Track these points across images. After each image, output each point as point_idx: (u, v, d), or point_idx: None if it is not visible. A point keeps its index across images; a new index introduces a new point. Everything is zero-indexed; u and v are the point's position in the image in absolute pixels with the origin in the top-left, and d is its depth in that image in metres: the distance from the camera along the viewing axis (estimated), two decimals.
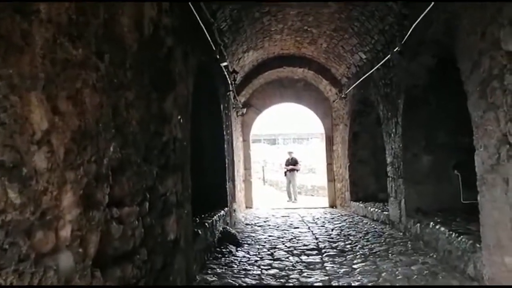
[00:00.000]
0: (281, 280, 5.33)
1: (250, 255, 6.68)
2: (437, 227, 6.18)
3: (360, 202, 11.70)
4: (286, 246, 7.37)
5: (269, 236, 8.46)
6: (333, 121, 15.03)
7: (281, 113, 28.27)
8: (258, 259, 6.45)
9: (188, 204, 4.93)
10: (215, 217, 7.21)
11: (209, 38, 6.56)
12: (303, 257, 6.48)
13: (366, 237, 7.88)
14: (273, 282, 5.27)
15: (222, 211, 8.06)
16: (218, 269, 5.76)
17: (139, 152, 3.33)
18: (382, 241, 7.44)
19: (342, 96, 12.90)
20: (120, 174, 2.95)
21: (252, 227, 9.96)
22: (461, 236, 5.33)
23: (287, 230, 9.18)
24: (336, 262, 6.09)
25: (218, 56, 7.32)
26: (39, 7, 1.95)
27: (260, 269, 5.83)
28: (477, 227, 5.64)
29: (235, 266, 6.02)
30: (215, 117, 8.57)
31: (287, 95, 15.46)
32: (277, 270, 5.77)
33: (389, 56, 8.01)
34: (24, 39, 1.85)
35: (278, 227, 9.79)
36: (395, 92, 8.11)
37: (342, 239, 7.82)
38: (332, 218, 11.15)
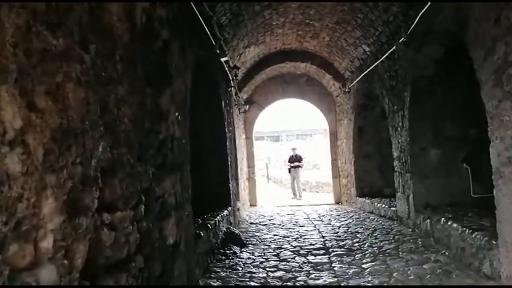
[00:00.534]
0: (288, 283, 5.08)
1: (255, 256, 6.44)
2: (449, 223, 5.93)
3: (366, 198, 11.48)
4: (292, 245, 7.13)
5: (274, 235, 8.22)
6: (337, 116, 14.80)
7: (284, 110, 28.04)
8: (264, 260, 6.21)
9: (188, 205, 4.69)
10: (218, 217, 6.98)
11: (208, 32, 6.33)
12: (310, 257, 6.24)
13: (374, 235, 7.64)
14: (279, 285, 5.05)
15: (226, 211, 7.83)
16: (222, 273, 5.53)
17: (133, 152, 3.09)
18: (391, 238, 7.20)
19: (346, 90, 12.68)
20: (111, 175, 2.72)
21: (256, 226, 9.73)
22: (476, 233, 5.08)
23: (293, 229, 8.94)
24: (345, 262, 5.85)
25: (218, 51, 7.09)
26: None
27: (265, 272, 5.59)
28: (491, 222, 5.43)
29: (240, 268, 5.78)
30: (216, 114, 8.33)
31: (290, 90, 15.22)
32: (284, 272, 5.52)
33: (394, 47, 7.77)
34: None
35: (283, 225, 9.56)
36: (400, 85, 7.86)
37: (349, 237, 7.58)
38: (338, 215, 10.91)
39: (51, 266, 1.96)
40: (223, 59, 7.60)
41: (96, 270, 2.43)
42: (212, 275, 5.38)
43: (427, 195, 7.43)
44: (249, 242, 7.44)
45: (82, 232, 2.31)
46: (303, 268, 5.69)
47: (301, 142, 37.14)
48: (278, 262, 6.04)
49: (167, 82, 4.05)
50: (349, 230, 8.39)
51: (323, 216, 10.96)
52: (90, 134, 2.44)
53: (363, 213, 10.80)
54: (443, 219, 6.19)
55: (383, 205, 9.66)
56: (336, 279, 5.11)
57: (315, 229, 8.74)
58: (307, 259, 6.16)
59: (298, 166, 18.60)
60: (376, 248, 6.55)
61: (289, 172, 18.91)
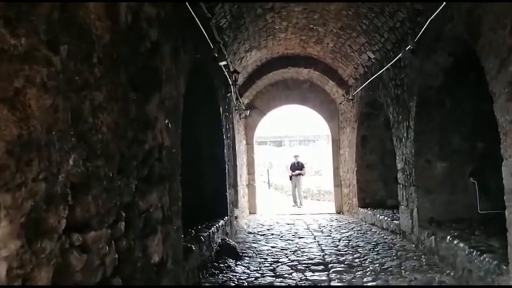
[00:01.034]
0: None
1: (250, 271, 6.13)
2: (455, 242, 5.61)
3: (368, 208, 11.17)
4: (289, 259, 6.81)
5: (272, 247, 7.91)
6: (340, 124, 14.52)
7: (287, 115, 27.79)
8: (259, 275, 5.90)
9: (178, 218, 4.39)
10: (212, 228, 6.69)
11: (205, 35, 6.05)
12: (308, 274, 5.92)
13: (376, 249, 7.33)
14: None
15: (222, 221, 7.52)
16: None
17: (112, 164, 2.80)
18: (394, 254, 6.90)
19: (350, 98, 12.39)
20: (84, 191, 2.43)
21: (254, 236, 9.43)
22: (484, 255, 4.75)
23: (292, 240, 8.63)
24: (344, 280, 5.54)
25: (216, 55, 6.79)
26: None
27: None
28: (500, 243, 5.13)
29: (233, 284, 5.48)
30: (214, 120, 8.03)
31: (292, 96, 14.94)
32: None
33: (400, 55, 7.47)
34: None
35: (282, 236, 9.25)
36: (406, 94, 7.57)
37: (350, 252, 7.26)
38: (339, 226, 10.59)
39: None
40: (221, 63, 7.30)
41: None
42: None
43: (431, 210, 7.13)
44: (245, 254, 7.14)
45: (45, 257, 2.03)
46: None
47: (304, 148, 36.95)
48: (274, 279, 5.72)
49: (155, 87, 3.76)
50: (350, 243, 8.08)
51: (323, 226, 10.65)
52: (58, 146, 2.15)
53: (365, 224, 10.49)
54: (448, 237, 5.88)
55: (386, 218, 9.34)
56: None
57: (314, 241, 8.43)
58: (305, 275, 5.85)
59: (300, 174, 18.30)
60: (377, 265, 6.24)
61: (290, 179, 18.59)
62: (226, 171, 8.35)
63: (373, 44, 8.94)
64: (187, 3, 4.82)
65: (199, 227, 6.62)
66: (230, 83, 9.05)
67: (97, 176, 2.59)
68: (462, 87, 6.79)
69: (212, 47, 6.56)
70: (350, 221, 11.57)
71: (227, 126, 8.83)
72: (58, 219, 2.15)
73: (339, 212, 14.48)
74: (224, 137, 8.28)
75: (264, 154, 30.56)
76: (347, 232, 9.57)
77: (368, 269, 6.01)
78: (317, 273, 5.93)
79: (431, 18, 5.75)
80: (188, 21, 5.15)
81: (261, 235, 9.53)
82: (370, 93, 10.18)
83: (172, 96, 4.30)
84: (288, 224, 11.37)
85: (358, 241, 8.24)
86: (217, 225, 7.05)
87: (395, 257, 6.66)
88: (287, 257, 7.02)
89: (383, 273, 5.78)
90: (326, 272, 5.96)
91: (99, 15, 2.64)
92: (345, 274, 5.84)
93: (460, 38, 5.23)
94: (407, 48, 6.93)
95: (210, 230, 6.50)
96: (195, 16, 5.21)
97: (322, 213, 14.71)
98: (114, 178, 2.82)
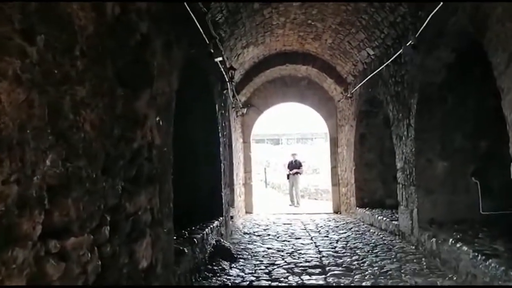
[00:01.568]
0: None
1: (245, 274, 5.93)
2: (458, 245, 5.42)
3: (367, 208, 10.97)
4: (286, 262, 6.60)
5: (268, 248, 7.70)
6: (338, 122, 14.33)
7: (285, 113, 27.65)
8: (254, 279, 5.70)
9: (169, 221, 4.19)
10: (207, 229, 6.48)
11: (201, 30, 5.84)
12: (305, 277, 5.72)
13: (374, 251, 7.14)
14: None
15: (216, 222, 7.32)
16: None
17: (95, 164, 2.60)
18: (393, 256, 6.70)
19: (348, 95, 12.20)
20: (63, 194, 2.23)
21: (250, 236, 9.23)
22: (490, 260, 4.54)
23: (288, 241, 8.43)
24: (343, 285, 5.35)
25: (212, 51, 6.59)
26: None
27: None
28: (505, 246, 4.97)
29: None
30: (210, 118, 7.81)
31: (290, 94, 14.74)
32: None
33: (401, 51, 7.28)
34: None
35: (278, 237, 9.05)
36: (407, 91, 7.38)
37: (348, 253, 7.06)
38: (337, 227, 10.40)
39: None
40: (217, 59, 7.09)
41: None
42: None
43: (432, 210, 6.94)
44: (240, 256, 6.94)
45: (17, 267, 1.84)
46: None
47: (302, 146, 36.74)
48: (270, 282, 5.52)
49: (146, 82, 3.56)
50: (348, 245, 7.88)
51: (321, 227, 10.45)
52: (32, 145, 1.96)
53: (363, 225, 10.30)
54: (451, 239, 5.68)
55: (385, 218, 9.14)
56: None
57: (311, 242, 8.24)
58: (301, 279, 5.65)
59: (298, 173, 18.11)
60: (377, 268, 6.04)
61: (288, 178, 18.40)
62: (222, 170, 8.14)
63: (372, 40, 8.74)
64: None
65: (193, 228, 6.42)
66: (227, 80, 8.85)
67: (78, 178, 2.39)
68: (465, 83, 6.60)
69: (207, 42, 6.36)
70: (348, 221, 11.38)
71: (223, 124, 8.62)
72: (32, 225, 1.97)
73: (336, 211, 14.29)
74: (220, 135, 8.08)
75: (261, 152, 30.32)
76: (345, 232, 9.38)
77: (367, 272, 5.82)
78: (314, 277, 5.73)
79: (433, 12, 5.56)
80: (182, 15, 4.95)
81: (257, 235, 9.33)
82: (369, 90, 9.99)
83: (164, 93, 4.09)
84: (285, 224, 11.18)
85: (356, 242, 8.05)
86: (211, 226, 6.85)
87: (394, 260, 6.46)
88: (283, 259, 6.82)
89: (382, 277, 5.58)
90: (323, 276, 5.75)
91: (83, 5, 2.44)
92: (343, 277, 5.64)
93: (465, 31, 5.04)
94: (408, 44, 6.74)
95: (204, 232, 6.29)
96: (189, 10, 5.00)
97: (319, 213, 14.51)
98: (97, 179, 2.62)
